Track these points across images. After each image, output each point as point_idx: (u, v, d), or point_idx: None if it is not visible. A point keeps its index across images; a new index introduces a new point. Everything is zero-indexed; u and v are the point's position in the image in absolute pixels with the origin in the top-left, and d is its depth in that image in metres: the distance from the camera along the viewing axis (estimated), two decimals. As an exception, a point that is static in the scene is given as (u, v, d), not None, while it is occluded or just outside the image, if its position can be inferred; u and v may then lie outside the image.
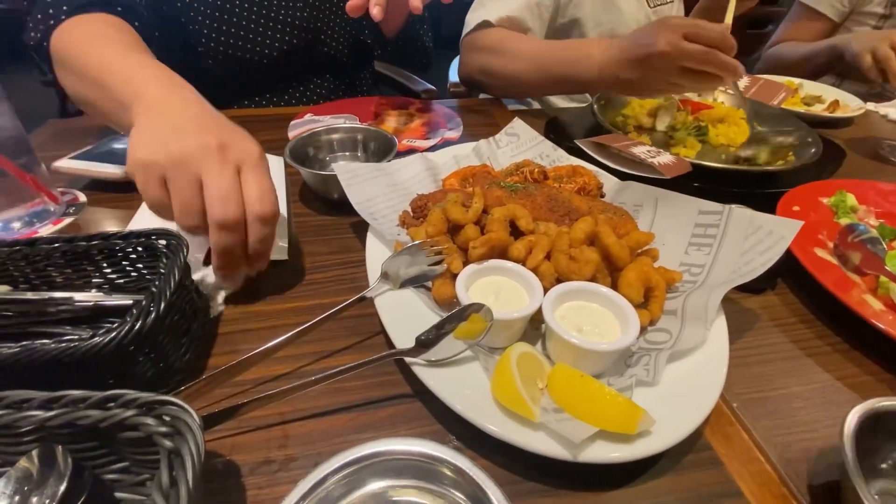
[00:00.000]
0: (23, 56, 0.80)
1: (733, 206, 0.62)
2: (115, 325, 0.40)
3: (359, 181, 0.61)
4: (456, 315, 0.42)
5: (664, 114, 0.94)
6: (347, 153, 0.78)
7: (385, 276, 0.50)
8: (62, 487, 0.31)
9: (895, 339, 0.50)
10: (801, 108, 1.10)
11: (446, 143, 0.94)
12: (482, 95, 1.32)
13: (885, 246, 0.60)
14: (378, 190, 0.62)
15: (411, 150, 0.89)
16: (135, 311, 0.41)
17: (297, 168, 0.68)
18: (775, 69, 1.48)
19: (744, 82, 1.06)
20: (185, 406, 0.34)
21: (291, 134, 0.90)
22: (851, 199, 0.72)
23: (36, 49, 0.74)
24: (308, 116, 1.01)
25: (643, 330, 0.48)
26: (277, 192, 0.70)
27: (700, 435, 0.43)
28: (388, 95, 1.12)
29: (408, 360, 0.42)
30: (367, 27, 1.08)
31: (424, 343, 0.42)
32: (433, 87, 1.51)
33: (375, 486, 0.34)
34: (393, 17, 1.01)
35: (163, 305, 0.42)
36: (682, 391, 0.41)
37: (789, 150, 0.84)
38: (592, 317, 0.46)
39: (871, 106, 1.16)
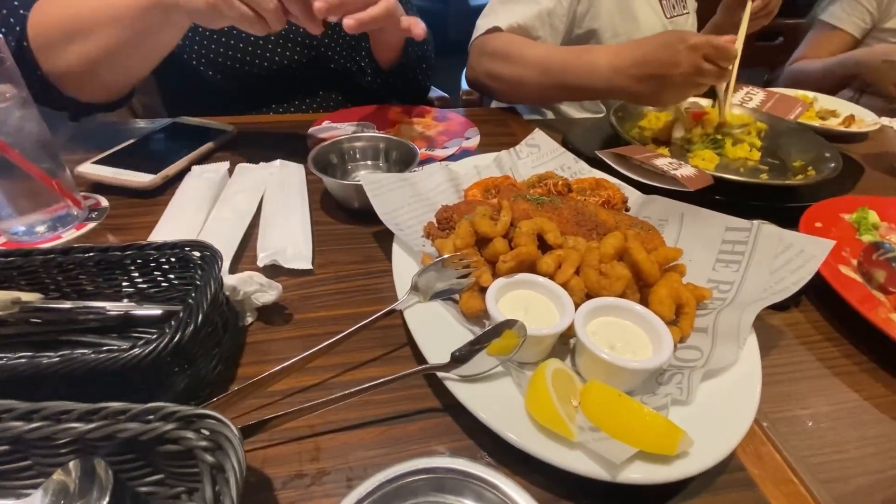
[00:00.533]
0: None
1: (761, 222, 0.62)
2: (154, 336, 0.41)
3: (384, 192, 0.62)
4: (491, 332, 0.42)
5: (678, 126, 0.94)
6: (369, 162, 0.78)
7: (415, 288, 0.50)
8: (105, 502, 0.31)
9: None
10: (817, 123, 1.10)
11: (464, 153, 0.95)
12: (494, 104, 1.32)
13: (912, 265, 0.60)
14: (402, 200, 0.62)
15: (430, 159, 0.89)
16: (173, 322, 0.42)
17: (319, 176, 0.68)
18: (797, 85, 1.49)
19: (760, 97, 1.06)
20: (225, 420, 0.34)
21: (310, 141, 0.91)
22: (873, 216, 0.72)
23: (19, 56, 0.71)
24: (326, 123, 1.02)
25: (674, 347, 0.48)
26: (299, 201, 0.71)
27: (732, 455, 0.43)
28: (401, 104, 1.13)
29: (440, 374, 0.42)
30: (366, 49, 1.08)
31: (459, 358, 0.42)
32: (446, 95, 1.51)
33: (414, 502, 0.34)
34: (387, 49, 1.01)
35: (200, 318, 0.43)
36: (716, 411, 0.40)
37: (808, 164, 0.84)
38: (624, 333, 0.46)
39: (885, 121, 1.16)
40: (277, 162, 0.81)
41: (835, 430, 0.47)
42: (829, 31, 1.53)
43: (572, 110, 1.23)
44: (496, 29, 1.02)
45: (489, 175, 0.74)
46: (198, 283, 0.45)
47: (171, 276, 0.53)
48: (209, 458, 0.32)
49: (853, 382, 0.52)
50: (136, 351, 0.39)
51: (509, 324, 0.43)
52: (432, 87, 1.48)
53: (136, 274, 0.52)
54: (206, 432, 0.34)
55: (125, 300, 0.52)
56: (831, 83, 1.44)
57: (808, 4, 1.84)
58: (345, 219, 0.72)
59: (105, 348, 0.39)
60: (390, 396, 0.46)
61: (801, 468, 0.43)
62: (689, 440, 0.36)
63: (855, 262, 0.65)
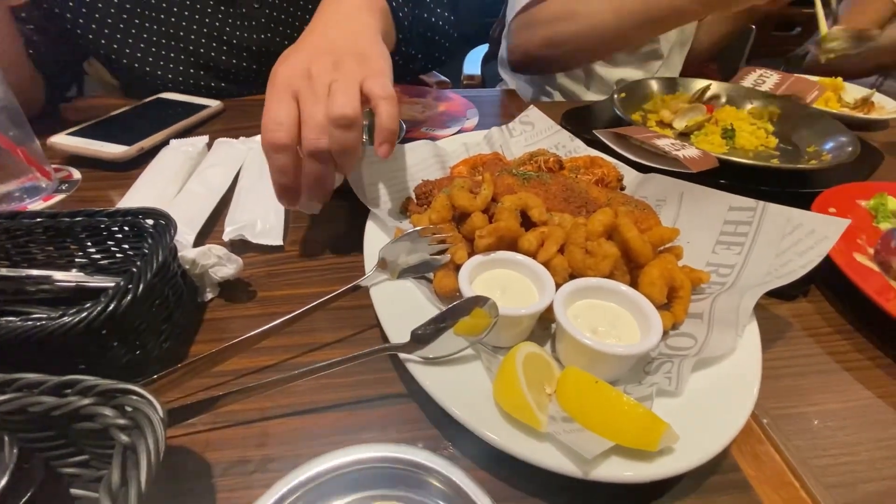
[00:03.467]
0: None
1: (767, 203, 0.57)
2: (88, 305, 0.37)
3: (360, 165, 0.57)
4: (457, 308, 0.38)
5: (684, 114, 0.88)
6: (352, 138, 0.74)
7: (383, 263, 0.46)
8: (3, 480, 0.27)
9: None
10: (835, 109, 1.03)
11: (462, 132, 0.91)
12: (502, 86, 1.27)
13: (934, 253, 0.55)
14: (381, 175, 0.58)
15: (432, 139, 0.85)
16: (110, 291, 0.38)
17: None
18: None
19: (773, 79, 1.00)
20: (149, 396, 0.30)
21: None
22: (892, 202, 0.66)
23: None
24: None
25: (665, 334, 0.43)
26: (266, 176, 0.67)
27: (727, 454, 0.38)
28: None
29: (402, 356, 0.38)
30: None
31: (421, 338, 0.38)
32: (447, 80, 1.47)
33: (354, 496, 0.30)
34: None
35: (141, 288, 0.39)
36: (708, 404, 0.36)
37: (822, 150, 0.78)
38: (609, 317, 0.41)
39: (907, 109, 1.09)
40: (258, 137, 0.77)
41: (844, 431, 0.42)
42: None
43: (580, 91, 1.18)
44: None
45: (478, 153, 0.69)
46: (145, 251, 0.42)
47: (126, 245, 0.49)
48: (123, 437, 0.29)
49: (866, 379, 0.47)
50: (66, 319, 0.36)
51: (479, 301, 0.38)
52: (434, 71, 1.43)
53: (90, 244, 0.49)
54: (129, 409, 0.31)
55: (75, 271, 0.49)
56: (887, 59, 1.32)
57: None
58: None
59: (34, 316, 0.36)
60: (352, 380, 0.43)
61: (804, 470, 0.38)
62: (675, 435, 0.32)
63: (871, 250, 0.59)
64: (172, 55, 0.93)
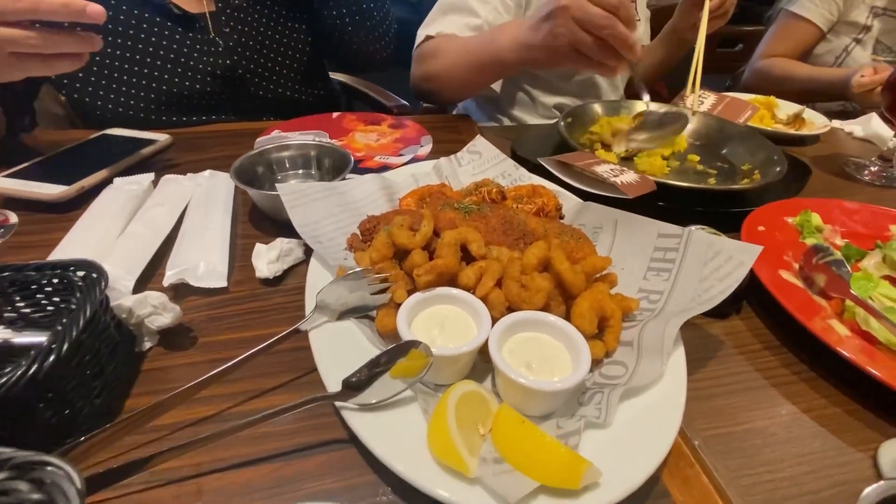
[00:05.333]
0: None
1: (693, 228, 0.60)
2: (8, 369, 0.36)
3: (305, 202, 0.58)
4: (390, 353, 0.39)
5: (619, 140, 0.92)
6: (300, 171, 0.74)
7: (322, 306, 0.46)
8: None
9: (860, 368, 0.47)
10: (768, 126, 1.10)
11: (415, 161, 0.92)
12: (459, 110, 1.30)
13: (850, 268, 0.58)
14: (326, 211, 0.59)
15: (385, 168, 0.86)
16: (32, 353, 0.37)
17: (242, 188, 0.64)
18: (767, 83, 1.48)
19: (710, 100, 1.06)
20: (66, 468, 0.30)
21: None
22: (816, 219, 0.71)
23: None
24: (275, 133, 0.98)
25: (598, 363, 0.45)
26: (221, 214, 0.67)
27: (657, 480, 0.40)
28: (359, 111, 1.10)
29: (337, 404, 0.38)
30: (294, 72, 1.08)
31: (355, 385, 0.38)
32: (406, 103, 1.49)
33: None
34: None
35: (66, 347, 0.38)
36: (635, 434, 0.37)
37: (756, 168, 0.83)
38: (543, 350, 0.43)
39: (836, 123, 1.17)
40: (207, 172, 0.77)
41: (769, 447, 0.44)
42: (796, 23, 1.51)
43: (527, 116, 1.22)
44: (428, 38, 1.02)
45: (428, 183, 0.71)
46: (72, 306, 0.41)
47: (57, 298, 0.48)
48: (36, 515, 0.28)
49: (791, 393, 0.50)
50: (-20, 387, 0.34)
51: (414, 343, 0.39)
52: (393, 95, 1.45)
53: (17, 298, 0.48)
54: (47, 482, 0.30)
55: (3, 327, 0.47)
56: (813, 92, 1.43)
57: (767, 5, 1.88)
58: (273, 232, 0.67)
59: (-53, 384, 0.35)
60: (291, 427, 0.42)
61: (731, 491, 0.40)
62: (597, 472, 0.33)
63: (797, 265, 0.63)
64: (134, 80, 0.92)
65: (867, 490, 0.33)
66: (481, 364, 0.46)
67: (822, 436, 0.45)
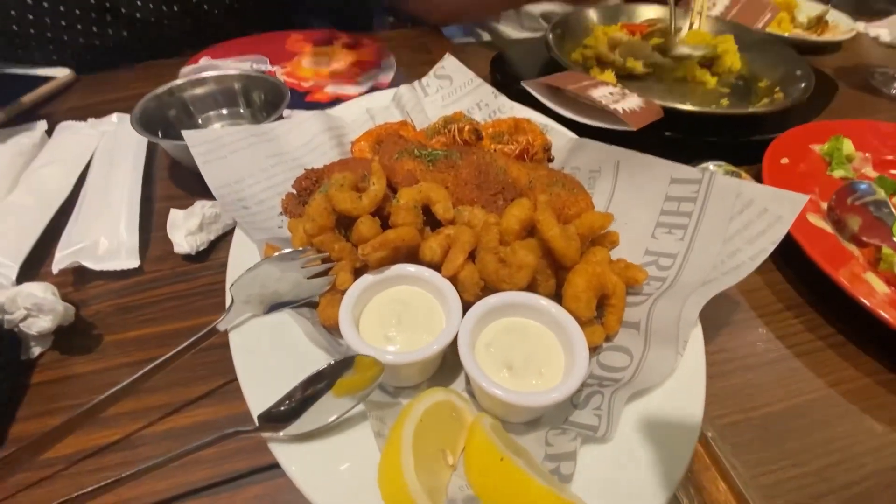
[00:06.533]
0: None
1: (711, 166, 0.49)
2: None
3: (224, 154, 0.45)
4: (331, 370, 0.29)
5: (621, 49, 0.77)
6: (224, 111, 0.60)
7: (245, 300, 0.36)
8: None
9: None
10: (786, 32, 0.95)
11: (375, 91, 0.77)
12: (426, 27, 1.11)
13: (893, 209, 0.49)
14: (254, 165, 0.46)
15: (339, 101, 0.72)
16: None
17: (148, 137, 0.51)
18: None
19: (724, 2, 0.90)
20: None
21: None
22: (848, 146, 0.60)
23: None
24: (204, 61, 0.81)
25: (597, 348, 0.37)
26: (129, 172, 0.53)
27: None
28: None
29: (265, 435, 0.30)
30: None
31: (282, 416, 0.29)
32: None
33: None
34: None
35: None
36: (642, 452, 0.30)
37: (776, 84, 0.70)
38: (528, 343, 0.34)
39: (861, 27, 1.01)
40: (114, 117, 0.62)
41: (793, 435, 0.37)
42: None
43: (510, 29, 1.04)
44: None
45: (387, 120, 0.58)
46: None
47: None
48: None
49: (817, 364, 0.42)
50: None
51: (348, 362, 0.30)
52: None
53: None
54: None
55: None
56: None
57: None
58: (201, 192, 0.55)
59: None
60: (218, 451, 0.34)
61: (752, 494, 0.34)
62: (596, 518, 0.25)
63: (825, 205, 0.54)
64: None
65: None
66: (453, 358, 0.37)
67: (853, 415, 0.39)
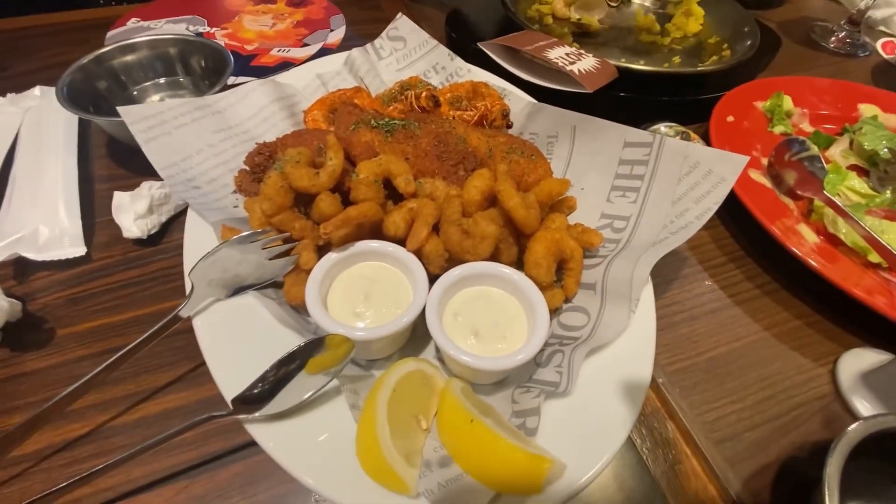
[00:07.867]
0: None
1: (662, 128, 0.51)
2: None
3: (167, 130, 0.43)
4: (302, 350, 0.30)
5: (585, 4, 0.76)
6: (162, 80, 0.56)
7: (205, 285, 0.35)
8: None
9: (821, 275, 0.44)
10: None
11: (324, 52, 0.74)
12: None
13: (824, 164, 0.53)
14: (200, 141, 0.44)
15: (286, 65, 0.69)
16: None
17: (77, 114, 0.47)
18: None
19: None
20: None
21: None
22: (788, 102, 0.63)
23: None
24: (132, 23, 0.74)
25: (557, 310, 0.39)
26: (61, 150, 0.49)
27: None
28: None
29: (240, 418, 0.30)
30: None
31: (254, 399, 0.29)
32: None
33: None
34: None
35: None
36: (599, 402, 0.32)
37: (724, 41, 0.72)
38: (493, 310, 0.35)
39: (805, -23, 1.04)
40: (37, 90, 0.56)
41: (733, 375, 0.41)
42: None
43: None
44: None
45: (339, 86, 0.55)
46: None
47: None
48: None
49: (754, 310, 0.46)
50: None
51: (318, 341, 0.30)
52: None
53: None
54: None
55: None
56: None
57: None
58: (145, 170, 0.52)
59: None
60: (194, 434, 0.34)
61: (696, 430, 0.37)
62: (560, 466, 0.28)
63: (766, 161, 0.57)
64: None
65: (850, 429, 0.30)
66: (422, 327, 0.38)
67: (784, 355, 0.43)
